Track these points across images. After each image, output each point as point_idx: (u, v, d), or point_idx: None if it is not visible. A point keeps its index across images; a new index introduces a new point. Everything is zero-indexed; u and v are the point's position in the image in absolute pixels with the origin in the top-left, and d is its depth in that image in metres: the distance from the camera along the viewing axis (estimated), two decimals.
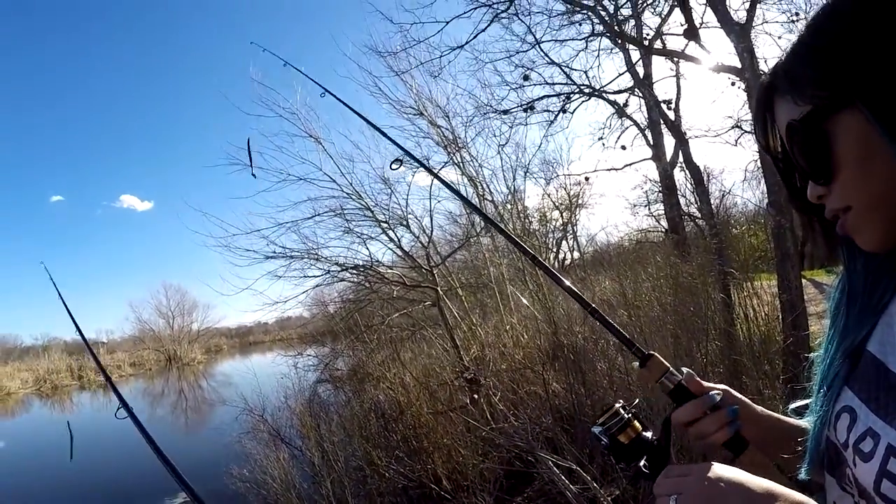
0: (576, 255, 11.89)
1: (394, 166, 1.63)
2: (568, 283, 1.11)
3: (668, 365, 0.91)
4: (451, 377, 5.26)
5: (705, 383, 0.92)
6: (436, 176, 1.71)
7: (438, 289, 5.85)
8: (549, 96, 7.80)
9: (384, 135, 1.67)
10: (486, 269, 6.80)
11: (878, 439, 0.64)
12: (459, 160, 7.25)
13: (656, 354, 0.91)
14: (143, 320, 46.31)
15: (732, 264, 4.83)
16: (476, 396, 5.13)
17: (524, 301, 5.55)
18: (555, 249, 11.59)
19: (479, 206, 6.55)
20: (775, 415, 0.94)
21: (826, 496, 0.79)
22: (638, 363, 0.94)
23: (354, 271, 6.71)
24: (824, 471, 0.80)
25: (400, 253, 6.72)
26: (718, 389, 0.92)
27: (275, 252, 6.82)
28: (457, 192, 1.81)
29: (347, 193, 6.87)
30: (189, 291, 47.76)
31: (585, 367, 4.74)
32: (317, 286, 7.48)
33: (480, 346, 5.57)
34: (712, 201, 9.00)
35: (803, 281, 4.35)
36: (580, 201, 11.66)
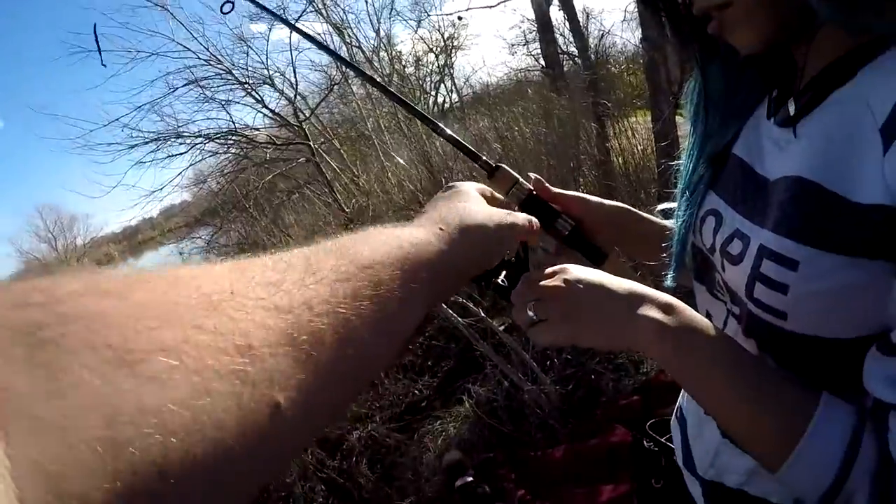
0: (455, 97, 11.67)
1: (225, 9, 1.28)
2: (420, 109, 0.95)
3: (518, 175, 0.80)
4: (336, 230, 5.13)
5: (554, 189, 0.83)
6: (282, 19, 1.43)
7: (311, 143, 5.57)
8: None
9: None
10: (363, 121, 6.53)
11: (748, 241, 0.62)
12: (321, 6, 6.68)
13: (504, 165, 0.80)
14: (25, 251, 42.11)
15: (608, 99, 4.85)
16: None
17: (401, 158, 5.41)
18: (433, 93, 11.31)
19: (348, 55, 6.14)
20: (632, 210, 0.87)
21: (696, 305, 0.75)
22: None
23: (222, 140, 6.25)
24: (692, 278, 0.77)
25: (267, 112, 6.29)
26: (568, 196, 0.83)
27: (132, 137, 6.20)
28: (310, 38, 1.54)
29: (204, 59, 6.21)
30: (63, 207, 43.66)
31: None
32: (190, 165, 6.99)
33: (363, 196, 5.47)
34: (591, 41, 8.92)
35: (678, 119, 4.47)
36: (456, 43, 11.29)
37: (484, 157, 0.82)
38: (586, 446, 2.25)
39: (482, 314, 3.18)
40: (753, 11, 0.58)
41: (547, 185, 0.82)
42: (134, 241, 54.02)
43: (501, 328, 3.27)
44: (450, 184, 0.63)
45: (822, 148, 0.55)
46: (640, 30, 4.86)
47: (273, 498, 3.43)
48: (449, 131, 0.84)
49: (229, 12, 1.20)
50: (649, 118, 4.82)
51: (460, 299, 3.48)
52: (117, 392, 0.21)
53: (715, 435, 0.74)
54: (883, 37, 0.52)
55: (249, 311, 0.28)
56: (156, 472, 0.20)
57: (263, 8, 1.32)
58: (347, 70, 6.11)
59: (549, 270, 0.65)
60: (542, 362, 2.92)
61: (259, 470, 0.26)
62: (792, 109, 0.61)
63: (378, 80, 1.04)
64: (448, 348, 3.86)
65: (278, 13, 1.42)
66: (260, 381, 0.26)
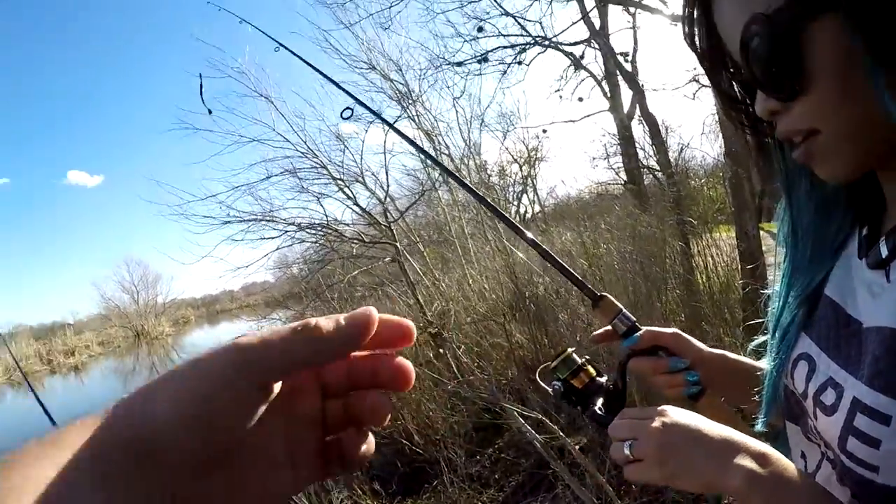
0: (536, 208, 11.94)
1: (345, 114, 1.49)
2: (530, 235, 1.05)
3: (621, 306, 0.87)
4: (418, 334, 5.15)
5: (652, 328, 0.88)
6: (387, 123, 1.64)
7: (398, 244, 5.81)
8: (503, 47, 7.63)
9: (335, 83, 1.58)
10: (447, 225, 6.76)
11: (842, 392, 0.60)
12: (414, 114, 7.14)
13: (608, 295, 0.87)
14: (107, 297, 44.98)
15: (691, 215, 4.83)
16: (441, 350, 5.14)
17: (483, 265, 5.53)
18: (515, 203, 11.62)
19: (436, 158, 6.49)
20: (727, 355, 0.90)
21: (789, 444, 0.75)
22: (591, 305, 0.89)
23: (312, 231, 6.63)
24: (785, 419, 0.76)
25: (357, 210, 6.64)
26: (669, 334, 0.88)
27: (229, 215, 6.66)
28: (410, 141, 1.76)
29: (301, 152, 6.68)
30: (150, 265, 46.58)
31: (547, 317, 4.78)
32: (277, 249, 7.38)
33: (444, 301, 5.58)
34: (671, 154, 9.01)
35: (761, 233, 4.38)
36: (539, 154, 11.68)
37: (589, 287, 0.89)
38: None
39: (559, 432, 3.12)
40: (845, 142, 0.54)
41: (652, 330, 0.87)
42: (211, 308, 56.03)
43: (577, 447, 3.18)
44: None
45: None
46: (724, 144, 4.88)
47: None
48: (559, 259, 0.92)
49: (349, 118, 1.36)
50: (732, 234, 4.74)
51: (539, 415, 3.44)
52: None
53: None
54: None
55: None
56: None
57: (378, 116, 1.53)
58: (440, 177, 6.41)
59: (647, 412, 0.68)
60: (618, 487, 2.82)
61: None
62: (884, 251, 0.57)
63: (479, 193, 1.16)
64: (518, 463, 3.77)
65: (391, 123, 1.59)
66: None
